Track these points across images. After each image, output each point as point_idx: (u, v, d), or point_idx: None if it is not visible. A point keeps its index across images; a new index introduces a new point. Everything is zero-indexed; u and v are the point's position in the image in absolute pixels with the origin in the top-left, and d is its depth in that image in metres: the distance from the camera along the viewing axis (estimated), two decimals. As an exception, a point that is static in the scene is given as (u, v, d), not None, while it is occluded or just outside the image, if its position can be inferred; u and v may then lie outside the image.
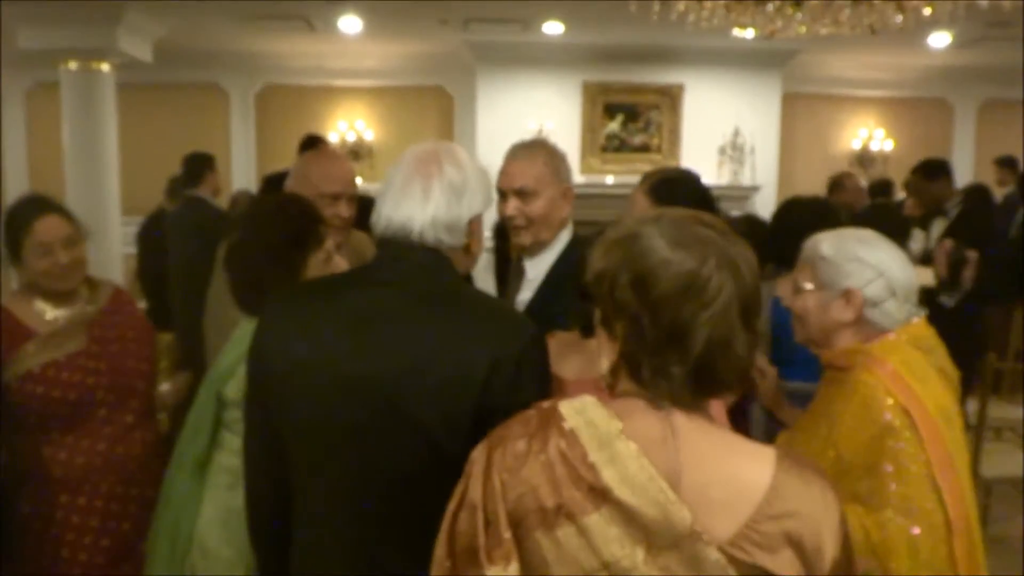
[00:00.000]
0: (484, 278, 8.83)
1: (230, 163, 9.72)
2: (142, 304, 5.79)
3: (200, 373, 2.92)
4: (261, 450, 1.70)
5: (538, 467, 1.13)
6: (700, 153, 9.27)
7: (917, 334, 1.95)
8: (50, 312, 2.50)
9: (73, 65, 6.93)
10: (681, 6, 4.74)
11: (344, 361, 1.55)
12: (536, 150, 2.38)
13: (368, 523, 1.57)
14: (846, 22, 4.65)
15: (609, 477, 1.10)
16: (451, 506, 1.21)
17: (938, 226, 5.34)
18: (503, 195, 2.37)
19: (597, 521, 1.10)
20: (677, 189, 2.29)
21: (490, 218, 2.40)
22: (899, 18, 4.69)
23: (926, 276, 4.32)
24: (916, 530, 1.74)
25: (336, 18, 7.49)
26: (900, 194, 8.39)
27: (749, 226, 3.93)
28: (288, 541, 1.70)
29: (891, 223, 4.91)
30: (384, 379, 1.51)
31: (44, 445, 2.43)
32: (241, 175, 9.76)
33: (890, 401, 1.80)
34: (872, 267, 1.90)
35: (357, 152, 9.60)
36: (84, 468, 2.45)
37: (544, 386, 1.54)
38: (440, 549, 1.20)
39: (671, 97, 9.31)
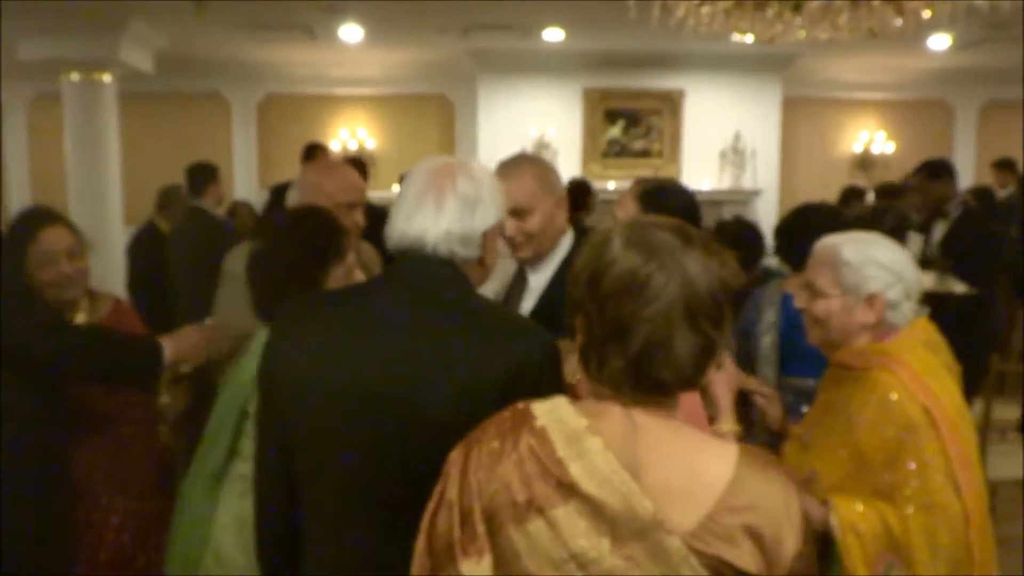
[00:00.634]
0: (488, 286, 8.85)
1: (232, 172, 9.74)
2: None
3: (200, 384, 2.93)
4: (273, 464, 1.69)
5: (510, 464, 1.19)
6: (701, 158, 9.29)
7: (924, 332, 2.01)
8: None
9: (75, 76, 6.97)
10: (680, 11, 4.75)
11: (358, 374, 1.55)
12: (523, 166, 2.37)
13: (382, 534, 1.57)
14: (845, 26, 4.65)
15: (576, 471, 1.15)
16: (430, 506, 1.25)
17: (939, 228, 5.34)
18: None
19: (565, 514, 1.14)
20: (666, 198, 2.36)
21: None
22: (898, 21, 4.69)
23: (927, 280, 4.33)
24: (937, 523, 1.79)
25: (337, 27, 7.51)
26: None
27: (738, 227, 3.98)
28: (296, 554, 1.69)
29: (891, 227, 4.90)
30: (402, 391, 1.52)
31: None
32: (243, 184, 9.79)
33: (910, 400, 1.84)
34: (892, 272, 1.96)
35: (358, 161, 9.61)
36: (83, 480, 2.45)
37: (562, 391, 1.52)
38: (420, 546, 1.24)
39: (672, 102, 9.32)
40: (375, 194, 5.12)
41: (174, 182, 5.98)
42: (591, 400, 1.24)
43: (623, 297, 1.17)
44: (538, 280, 2.39)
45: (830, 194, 7.97)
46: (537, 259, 2.39)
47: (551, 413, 1.21)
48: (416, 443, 1.52)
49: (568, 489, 1.15)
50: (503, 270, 2.51)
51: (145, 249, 5.88)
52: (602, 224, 2.00)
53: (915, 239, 5.29)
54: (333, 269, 2.15)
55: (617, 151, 9.40)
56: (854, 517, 1.82)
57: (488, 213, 1.65)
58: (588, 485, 1.14)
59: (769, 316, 2.88)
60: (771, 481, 1.18)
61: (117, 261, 6.66)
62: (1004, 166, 8.33)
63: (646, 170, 8.93)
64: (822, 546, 1.80)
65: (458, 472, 1.23)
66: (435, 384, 1.51)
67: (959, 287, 4.75)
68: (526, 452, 1.18)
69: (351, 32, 7.69)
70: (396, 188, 8.60)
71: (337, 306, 1.70)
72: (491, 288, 2.45)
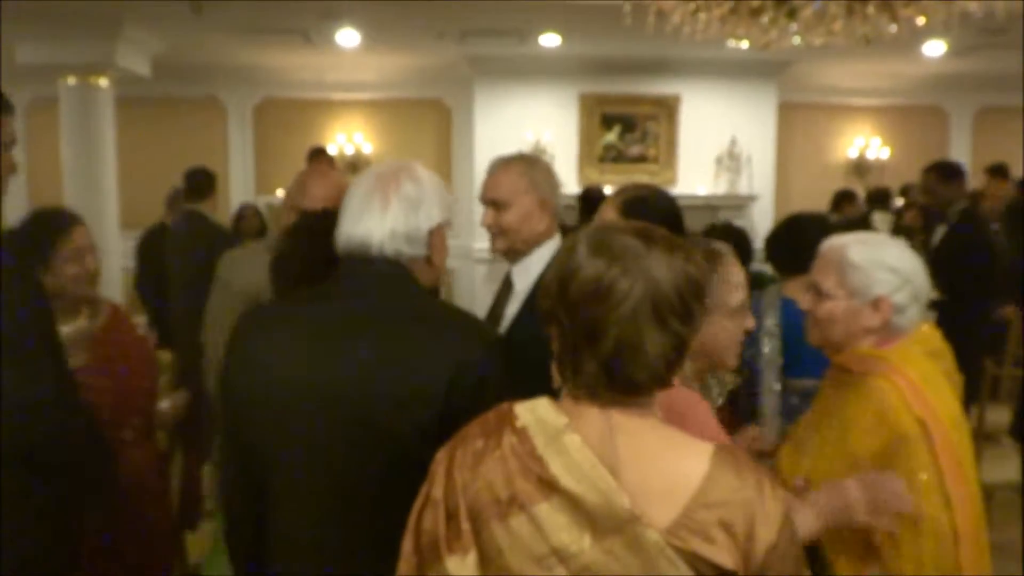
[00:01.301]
0: (484, 290, 8.86)
1: (228, 176, 9.73)
2: (141, 317, 5.78)
3: (199, 390, 2.94)
4: (235, 467, 1.73)
5: (493, 462, 1.23)
6: (697, 163, 9.31)
7: (926, 338, 2.00)
8: None
9: (72, 80, 6.97)
10: (676, 18, 4.77)
11: (307, 376, 1.59)
12: (513, 162, 2.42)
13: (341, 533, 1.61)
14: (840, 33, 4.68)
15: (556, 468, 1.19)
16: (417, 504, 1.29)
17: (939, 233, 5.34)
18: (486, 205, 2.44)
19: (546, 510, 1.18)
20: (646, 207, 2.35)
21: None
22: (893, 28, 4.72)
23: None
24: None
25: (334, 32, 7.52)
26: (898, 201, 8.46)
27: (725, 232, 4.05)
28: (265, 557, 1.72)
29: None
30: (349, 392, 1.56)
31: None
32: (239, 188, 9.78)
33: (906, 410, 1.82)
34: (901, 275, 1.93)
35: (355, 165, 9.63)
36: None
37: (507, 388, 1.55)
38: (407, 545, 1.27)
39: (668, 108, 9.34)
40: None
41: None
42: (569, 400, 1.27)
43: (590, 302, 1.20)
44: (522, 283, 2.41)
45: (825, 199, 8.01)
46: (519, 261, 2.42)
47: (532, 412, 1.25)
48: (363, 444, 1.56)
49: (548, 485, 1.18)
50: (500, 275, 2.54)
51: (155, 248, 5.88)
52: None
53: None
54: None
55: (613, 156, 9.41)
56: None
57: (432, 212, 1.71)
58: (568, 481, 1.17)
59: (770, 321, 2.89)
60: (744, 477, 1.20)
61: (114, 264, 6.66)
62: (995, 172, 8.36)
63: (642, 175, 8.95)
64: (812, 553, 1.79)
65: (443, 471, 1.26)
66: (378, 385, 1.55)
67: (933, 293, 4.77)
68: (508, 450, 1.22)
69: (348, 37, 7.70)
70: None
71: (287, 312, 1.75)
72: (489, 291, 2.48)
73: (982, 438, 4.21)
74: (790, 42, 4.91)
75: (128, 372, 2.56)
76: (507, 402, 1.31)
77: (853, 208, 7.37)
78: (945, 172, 5.25)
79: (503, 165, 2.42)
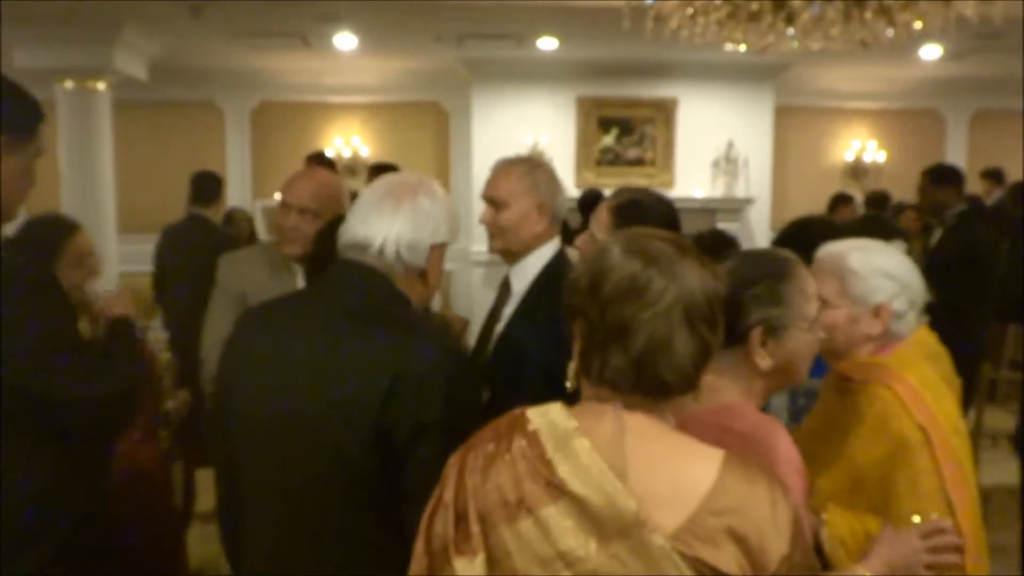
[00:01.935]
0: (480, 292, 8.87)
1: (226, 180, 9.71)
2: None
3: (196, 391, 2.95)
4: (223, 460, 1.78)
5: (503, 465, 1.23)
6: (694, 166, 9.32)
7: (924, 342, 2.00)
8: None
9: (69, 84, 6.97)
10: (674, 22, 4.78)
11: (269, 373, 1.63)
12: (516, 163, 2.45)
13: (284, 527, 1.64)
14: (837, 37, 4.69)
15: (564, 472, 1.19)
16: (428, 508, 1.29)
17: (936, 237, 5.34)
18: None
19: (554, 513, 1.18)
20: (640, 211, 2.35)
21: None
22: (890, 32, 4.73)
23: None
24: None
25: (331, 35, 7.53)
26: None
27: (714, 239, 4.05)
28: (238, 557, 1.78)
29: (879, 236, 4.94)
30: (297, 392, 1.59)
31: None
32: (236, 192, 9.77)
33: (907, 417, 1.82)
34: (899, 281, 1.94)
35: (353, 168, 9.63)
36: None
37: (458, 404, 1.57)
38: (418, 547, 1.28)
39: (665, 111, 9.36)
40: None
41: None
42: (587, 402, 1.27)
43: (624, 300, 1.22)
44: (520, 285, 2.43)
45: (822, 203, 8.02)
46: (517, 262, 2.44)
47: (544, 416, 1.26)
48: (310, 448, 1.59)
49: (556, 489, 1.19)
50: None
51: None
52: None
53: (899, 247, 5.30)
54: None
55: (611, 159, 9.42)
56: (844, 532, 1.81)
57: (440, 229, 1.73)
58: (575, 484, 1.18)
59: None
60: (756, 485, 1.19)
61: (112, 268, 6.66)
62: (988, 176, 8.40)
63: (639, 178, 8.96)
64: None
65: (455, 474, 1.27)
66: (328, 386, 1.57)
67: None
68: (518, 453, 1.23)
69: (345, 40, 7.71)
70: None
71: (276, 309, 1.79)
72: (486, 293, 2.50)
73: (980, 441, 4.22)
74: (788, 46, 4.93)
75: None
76: (522, 407, 1.30)
77: (848, 211, 7.38)
78: (936, 175, 5.24)
79: (506, 165, 2.44)
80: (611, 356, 1.23)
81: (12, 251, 1.84)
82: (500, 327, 2.41)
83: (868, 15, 4.52)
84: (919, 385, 1.88)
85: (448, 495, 1.26)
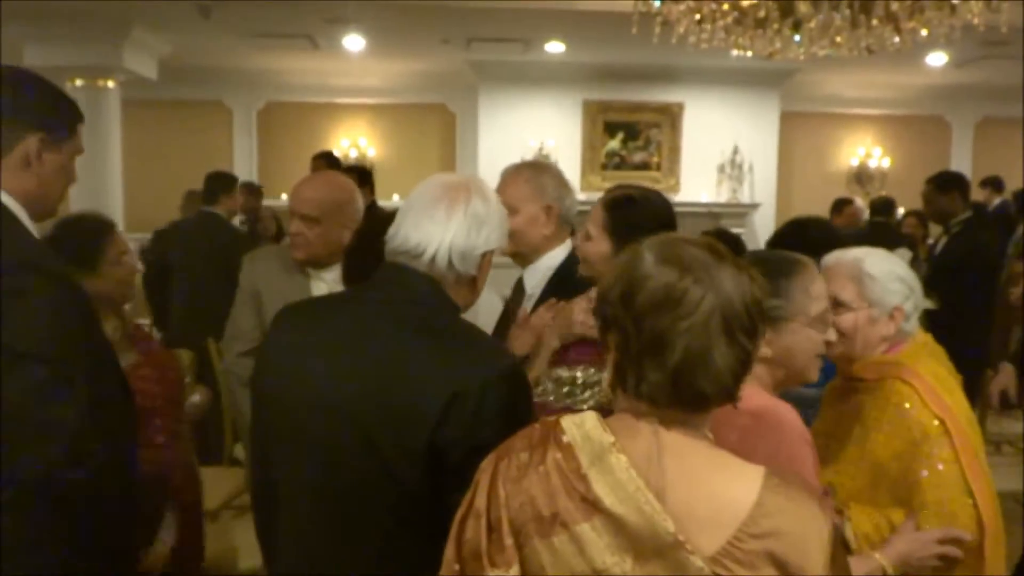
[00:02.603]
0: (485, 293, 8.87)
1: (233, 179, 9.76)
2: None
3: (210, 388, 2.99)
4: (256, 467, 1.75)
5: (537, 478, 1.20)
6: (699, 171, 9.35)
7: (925, 341, 2.07)
8: None
9: (79, 82, 7.02)
10: (681, 28, 4.81)
11: (317, 378, 1.58)
12: (521, 169, 2.48)
13: (323, 535, 1.61)
14: (843, 44, 4.71)
15: (600, 488, 1.16)
16: (460, 513, 1.26)
17: (941, 244, 5.36)
18: None
19: (589, 530, 1.15)
20: (634, 207, 2.28)
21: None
22: (896, 39, 4.76)
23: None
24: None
25: (340, 36, 7.56)
26: (901, 210, 8.50)
27: (717, 238, 4.05)
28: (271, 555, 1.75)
29: (886, 243, 4.96)
30: (348, 400, 1.54)
31: None
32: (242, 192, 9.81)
33: (925, 409, 1.90)
34: (908, 284, 2.03)
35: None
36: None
37: (512, 422, 1.48)
38: (449, 552, 1.26)
39: (671, 115, 9.38)
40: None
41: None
42: (623, 415, 1.23)
43: (660, 311, 1.17)
44: (531, 287, 2.46)
45: (826, 208, 8.03)
46: (530, 264, 2.47)
47: (579, 428, 1.22)
48: (353, 455, 1.54)
49: (592, 505, 1.16)
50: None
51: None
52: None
53: (904, 255, 5.33)
54: None
55: (616, 163, 9.45)
56: (868, 528, 1.87)
57: (492, 236, 1.68)
58: (611, 502, 1.15)
59: None
60: (797, 504, 1.16)
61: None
62: (988, 184, 8.44)
63: (645, 183, 8.89)
64: None
65: (487, 481, 1.24)
66: (382, 396, 1.52)
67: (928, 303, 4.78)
68: (552, 466, 1.19)
69: (353, 42, 7.74)
70: (396, 198, 8.65)
71: (320, 310, 1.76)
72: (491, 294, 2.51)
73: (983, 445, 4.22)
74: (794, 52, 4.95)
75: (165, 366, 2.60)
76: (556, 415, 1.27)
77: (851, 211, 7.39)
78: (941, 183, 5.26)
79: (512, 171, 2.47)
80: (647, 370, 1.18)
81: (52, 254, 1.82)
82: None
83: (874, 22, 4.55)
84: (932, 379, 1.95)
85: (480, 502, 1.23)
